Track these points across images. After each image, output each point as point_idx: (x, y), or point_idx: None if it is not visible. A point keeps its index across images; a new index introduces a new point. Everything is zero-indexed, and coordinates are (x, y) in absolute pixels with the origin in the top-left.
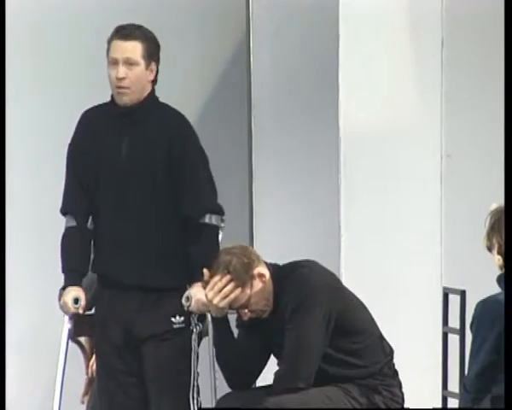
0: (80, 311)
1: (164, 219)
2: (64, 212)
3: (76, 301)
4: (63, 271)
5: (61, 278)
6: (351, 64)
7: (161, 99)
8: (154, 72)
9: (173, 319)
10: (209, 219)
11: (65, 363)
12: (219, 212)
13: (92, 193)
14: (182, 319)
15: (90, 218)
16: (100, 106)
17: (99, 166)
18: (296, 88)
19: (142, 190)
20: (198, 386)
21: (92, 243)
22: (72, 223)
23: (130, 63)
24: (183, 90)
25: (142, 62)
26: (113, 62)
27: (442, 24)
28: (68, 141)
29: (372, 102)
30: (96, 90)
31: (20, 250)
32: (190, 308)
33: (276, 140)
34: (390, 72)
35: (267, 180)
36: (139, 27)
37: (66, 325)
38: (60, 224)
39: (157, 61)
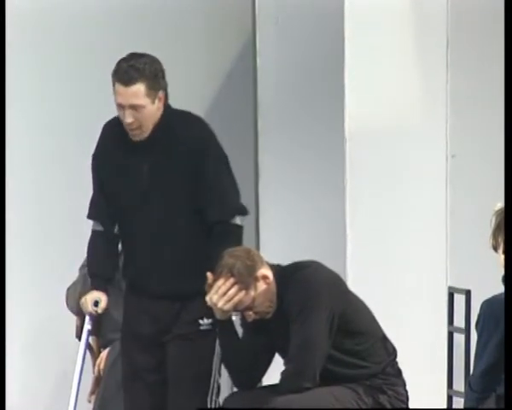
0: (99, 311)
1: (188, 228)
2: (90, 217)
3: (96, 303)
4: (89, 274)
5: (67, 277)
6: (356, 64)
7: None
8: (163, 97)
9: (201, 321)
10: (237, 219)
11: (83, 363)
12: (245, 212)
13: (115, 204)
14: (210, 321)
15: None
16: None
17: (119, 181)
18: (302, 88)
19: (166, 203)
20: (218, 388)
21: (120, 250)
22: (99, 227)
23: (135, 108)
24: (188, 90)
25: (148, 101)
26: (120, 106)
27: (447, 24)
28: (70, 140)
29: (377, 103)
30: (97, 92)
31: (25, 248)
32: None
33: (281, 140)
34: (395, 72)
35: (273, 181)
36: (139, 66)
37: (87, 326)
38: (64, 222)
39: (165, 87)
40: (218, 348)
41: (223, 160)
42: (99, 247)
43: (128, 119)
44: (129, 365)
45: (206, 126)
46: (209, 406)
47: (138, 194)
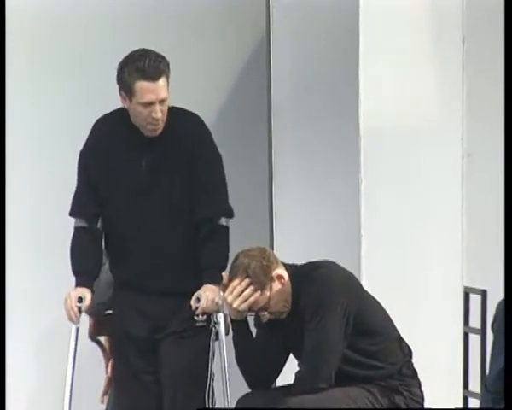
0: (83, 308)
1: (183, 225)
2: (73, 214)
3: (80, 299)
4: (73, 272)
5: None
6: (371, 62)
7: (182, 98)
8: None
9: (196, 318)
10: (224, 221)
11: (74, 363)
12: (231, 214)
13: (105, 200)
14: (205, 317)
15: (100, 219)
16: (113, 116)
17: (115, 177)
18: (316, 86)
19: (162, 199)
20: (213, 385)
21: (107, 248)
22: (82, 224)
23: (163, 102)
24: (203, 88)
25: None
26: (147, 105)
27: (463, 21)
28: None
29: (392, 101)
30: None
31: (40, 249)
32: (200, 309)
33: (296, 139)
34: (411, 70)
35: (287, 179)
36: (159, 59)
37: (74, 326)
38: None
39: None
40: (212, 344)
41: (216, 160)
42: (84, 243)
43: (158, 113)
44: (124, 365)
45: (203, 125)
46: (207, 403)
47: (135, 190)
